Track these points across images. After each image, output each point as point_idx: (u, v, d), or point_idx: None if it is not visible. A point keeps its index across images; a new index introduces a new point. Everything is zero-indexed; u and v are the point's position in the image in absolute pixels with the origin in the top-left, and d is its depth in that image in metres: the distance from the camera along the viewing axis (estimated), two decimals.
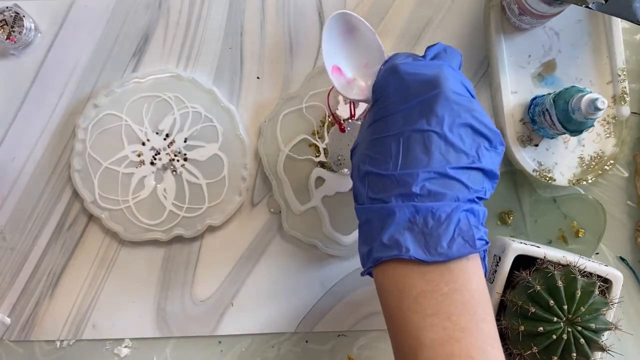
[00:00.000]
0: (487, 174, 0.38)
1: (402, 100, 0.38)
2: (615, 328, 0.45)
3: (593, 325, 0.44)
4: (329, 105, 0.56)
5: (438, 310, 0.34)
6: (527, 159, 0.55)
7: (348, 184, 0.56)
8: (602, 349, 0.44)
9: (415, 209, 0.36)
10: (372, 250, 0.37)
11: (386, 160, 0.37)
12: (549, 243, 0.57)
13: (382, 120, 0.39)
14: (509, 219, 0.57)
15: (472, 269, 0.36)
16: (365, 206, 0.38)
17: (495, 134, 0.38)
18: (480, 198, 0.37)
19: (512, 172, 0.57)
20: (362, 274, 0.39)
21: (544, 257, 0.48)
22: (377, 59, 0.44)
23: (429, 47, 0.42)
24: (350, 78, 0.44)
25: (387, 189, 0.37)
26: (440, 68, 0.38)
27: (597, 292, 0.45)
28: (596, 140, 0.55)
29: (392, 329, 0.37)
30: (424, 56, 0.41)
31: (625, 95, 0.55)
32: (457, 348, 0.33)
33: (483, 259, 0.37)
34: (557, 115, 0.49)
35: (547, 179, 0.55)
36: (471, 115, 0.37)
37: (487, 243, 0.37)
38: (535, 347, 0.44)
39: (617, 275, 0.48)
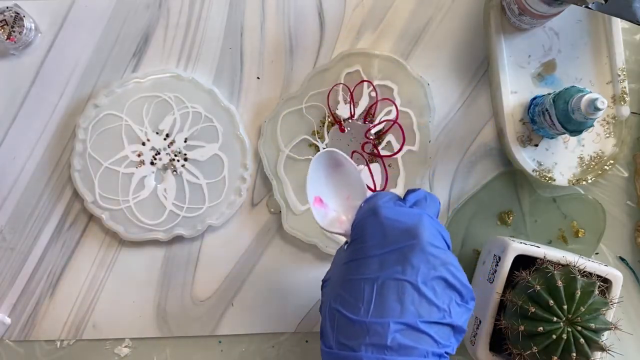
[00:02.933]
0: (456, 329, 0.38)
1: (379, 244, 0.38)
2: (615, 328, 0.45)
3: (593, 325, 0.44)
4: (329, 105, 0.56)
5: None
6: (527, 159, 0.55)
7: None
8: (602, 348, 0.44)
9: None
10: None
11: (357, 305, 0.37)
12: (549, 243, 0.57)
13: (359, 261, 0.39)
14: (509, 219, 0.57)
15: None
16: (334, 352, 0.37)
17: (468, 289, 0.39)
18: (447, 353, 0.38)
19: (512, 172, 0.57)
20: None
21: (544, 257, 0.48)
22: (359, 194, 0.44)
23: (409, 191, 0.42)
24: (331, 210, 0.45)
25: (357, 336, 0.36)
26: (420, 218, 0.39)
27: (596, 292, 0.45)
28: (596, 140, 0.55)
29: None
30: (404, 199, 0.42)
31: (625, 95, 0.55)
32: None
33: None
34: (556, 115, 0.49)
35: (547, 179, 0.55)
36: (446, 269, 0.38)
37: None
38: (535, 347, 0.44)
39: (616, 275, 0.48)
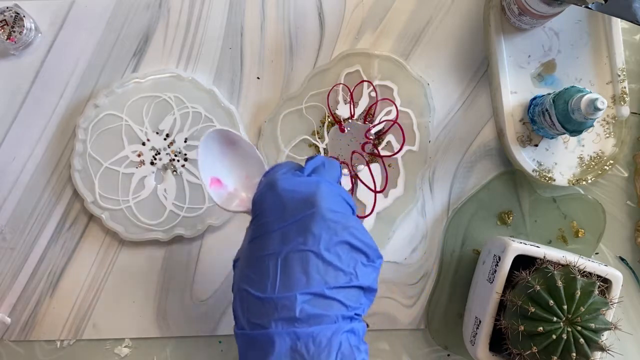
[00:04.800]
0: (365, 289, 0.38)
1: (279, 218, 0.38)
2: (615, 328, 0.45)
3: (593, 325, 0.44)
4: (328, 105, 0.56)
5: None
6: (526, 159, 0.55)
7: (348, 183, 0.56)
8: (602, 348, 0.44)
9: (296, 335, 0.35)
10: None
11: (264, 282, 0.37)
12: (549, 243, 0.57)
13: (260, 237, 0.39)
14: (509, 219, 0.57)
15: None
16: (246, 332, 0.37)
17: (372, 249, 0.39)
18: (358, 314, 0.38)
19: (512, 172, 0.57)
20: None
21: (544, 257, 0.48)
22: (258, 171, 0.44)
23: (308, 159, 0.42)
24: (231, 190, 0.44)
25: (267, 313, 0.36)
26: (317, 185, 0.39)
27: (596, 292, 0.45)
28: (596, 141, 0.56)
29: None
30: (303, 169, 0.41)
31: (624, 96, 0.55)
32: None
33: None
34: (556, 116, 0.49)
35: (547, 179, 0.55)
36: (348, 232, 0.38)
37: None
38: (535, 347, 0.44)
39: (616, 275, 0.48)
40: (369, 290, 0.39)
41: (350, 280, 0.37)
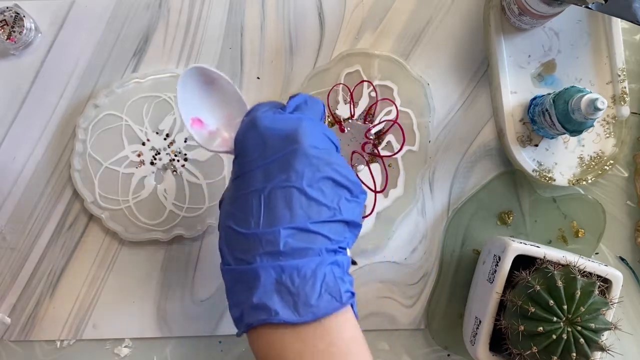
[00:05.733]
0: (349, 224, 0.38)
1: (261, 155, 0.38)
2: (615, 328, 0.45)
3: (593, 325, 0.44)
4: (328, 105, 0.56)
5: None
6: (527, 159, 0.55)
7: None
8: (602, 348, 0.44)
9: (281, 268, 0.36)
10: (243, 314, 0.37)
11: (248, 219, 0.37)
12: (549, 243, 0.57)
13: (244, 175, 0.39)
14: (509, 219, 0.57)
15: (343, 319, 0.37)
16: (231, 267, 0.38)
17: (356, 184, 0.39)
18: (342, 248, 0.38)
19: (512, 172, 0.57)
20: (238, 335, 0.39)
21: (544, 257, 0.48)
22: (239, 110, 0.43)
23: (291, 97, 0.42)
24: (213, 130, 0.44)
25: (251, 249, 0.37)
26: (299, 122, 0.38)
27: (596, 292, 0.45)
28: (596, 141, 0.56)
29: None
30: (285, 107, 0.41)
31: (625, 96, 0.55)
32: None
33: (352, 306, 0.38)
34: (556, 116, 0.49)
35: (547, 179, 0.55)
36: (331, 169, 0.38)
37: (352, 295, 0.37)
38: (535, 347, 0.44)
39: (616, 275, 0.48)
40: (353, 225, 0.39)
41: (334, 215, 0.37)
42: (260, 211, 0.37)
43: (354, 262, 0.39)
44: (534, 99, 0.54)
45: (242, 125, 0.41)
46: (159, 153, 0.56)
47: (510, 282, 0.49)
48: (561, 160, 0.55)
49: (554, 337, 0.43)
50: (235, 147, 0.40)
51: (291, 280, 0.36)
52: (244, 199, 0.38)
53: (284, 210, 0.37)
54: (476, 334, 0.50)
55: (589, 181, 0.55)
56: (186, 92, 0.43)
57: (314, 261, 0.36)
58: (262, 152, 0.38)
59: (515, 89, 0.55)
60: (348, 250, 0.39)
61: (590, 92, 0.46)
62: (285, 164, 0.37)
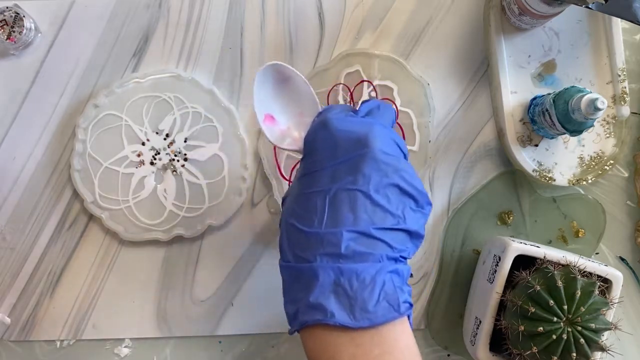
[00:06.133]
0: (412, 234, 0.38)
1: (330, 156, 0.38)
2: (615, 328, 0.45)
3: (593, 325, 0.44)
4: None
5: None
6: (527, 159, 0.55)
7: None
8: (602, 348, 0.44)
9: (340, 270, 0.35)
10: (298, 312, 0.37)
11: (311, 217, 0.37)
12: (549, 243, 0.57)
13: (311, 175, 0.39)
14: (509, 219, 0.57)
15: (400, 329, 0.36)
16: (291, 264, 0.38)
17: (423, 195, 0.39)
18: (404, 257, 0.38)
19: (512, 172, 0.57)
20: (290, 333, 0.38)
21: (544, 257, 0.48)
22: (311, 110, 0.43)
23: (363, 102, 0.42)
24: (284, 128, 0.44)
25: (312, 248, 0.36)
26: (371, 126, 0.38)
27: (597, 292, 0.45)
28: (596, 141, 0.55)
29: None
30: (357, 111, 0.41)
31: (625, 96, 0.55)
32: None
33: (408, 316, 0.38)
34: (556, 116, 0.49)
35: (547, 179, 0.55)
36: (399, 176, 0.37)
37: (411, 306, 0.37)
38: (535, 347, 0.44)
39: (617, 275, 0.48)
40: (415, 236, 0.38)
41: (398, 223, 0.37)
42: (325, 211, 0.37)
43: (410, 275, 0.39)
44: (534, 99, 0.54)
45: (313, 125, 0.41)
46: (158, 153, 0.56)
47: (510, 282, 0.49)
48: (561, 160, 0.55)
49: (554, 337, 0.43)
50: (305, 146, 0.40)
51: (349, 283, 0.35)
52: (309, 198, 0.38)
53: (348, 212, 0.36)
54: (476, 334, 0.50)
55: (589, 181, 0.55)
56: (261, 89, 0.43)
57: (374, 267, 0.36)
58: (331, 153, 0.38)
59: (516, 89, 0.55)
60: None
61: (591, 92, 0.46)
62: (353, 166, 0.37)
